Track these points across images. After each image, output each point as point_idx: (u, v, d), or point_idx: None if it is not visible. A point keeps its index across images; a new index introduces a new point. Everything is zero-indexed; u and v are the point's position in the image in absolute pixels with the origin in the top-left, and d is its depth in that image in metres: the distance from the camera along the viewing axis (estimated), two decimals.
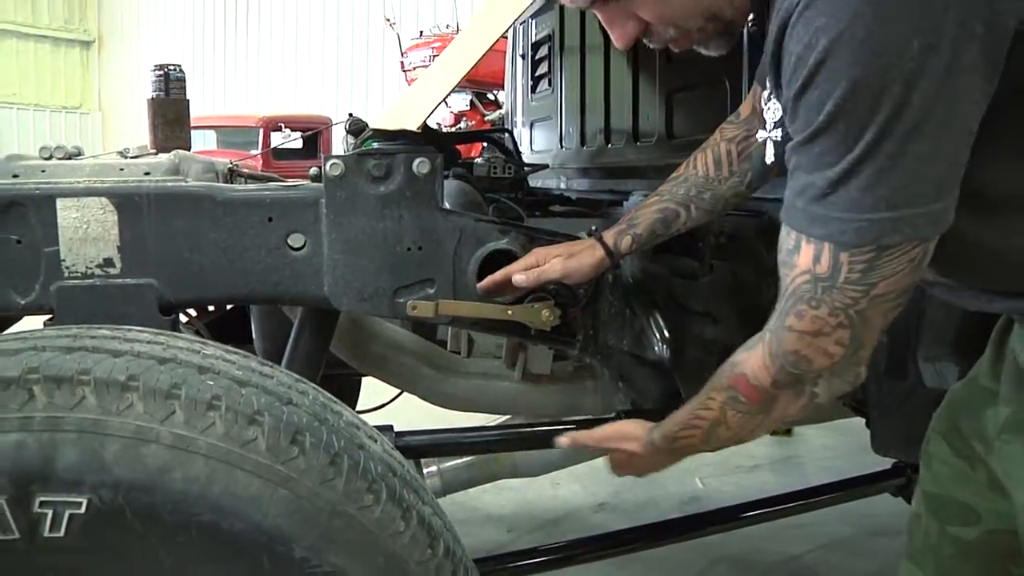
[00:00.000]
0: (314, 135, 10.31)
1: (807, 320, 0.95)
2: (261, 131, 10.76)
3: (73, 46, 24.38)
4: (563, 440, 1.42)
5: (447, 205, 1.60)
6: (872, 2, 0.79)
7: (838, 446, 4.06)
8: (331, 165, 1.45)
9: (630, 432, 1.32)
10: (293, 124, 10.98)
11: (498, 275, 1.47)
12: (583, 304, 1.55)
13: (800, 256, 0.94)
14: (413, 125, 1.46)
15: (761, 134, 1.15)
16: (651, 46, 1.14)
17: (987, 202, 0.93)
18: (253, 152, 10.66)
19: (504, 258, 1.50)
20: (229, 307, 2.26)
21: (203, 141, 11.15)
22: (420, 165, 1.46)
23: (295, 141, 10.74)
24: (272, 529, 0.91)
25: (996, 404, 1.10)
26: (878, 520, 3.15)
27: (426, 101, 1.54)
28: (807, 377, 1.03)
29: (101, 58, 24.69)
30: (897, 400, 1.53)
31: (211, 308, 2.22)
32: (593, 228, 1.50)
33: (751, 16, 1.12)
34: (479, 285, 1.48)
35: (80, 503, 0.88)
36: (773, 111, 1.09)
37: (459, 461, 2.21)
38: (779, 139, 1.11)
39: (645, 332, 1.55)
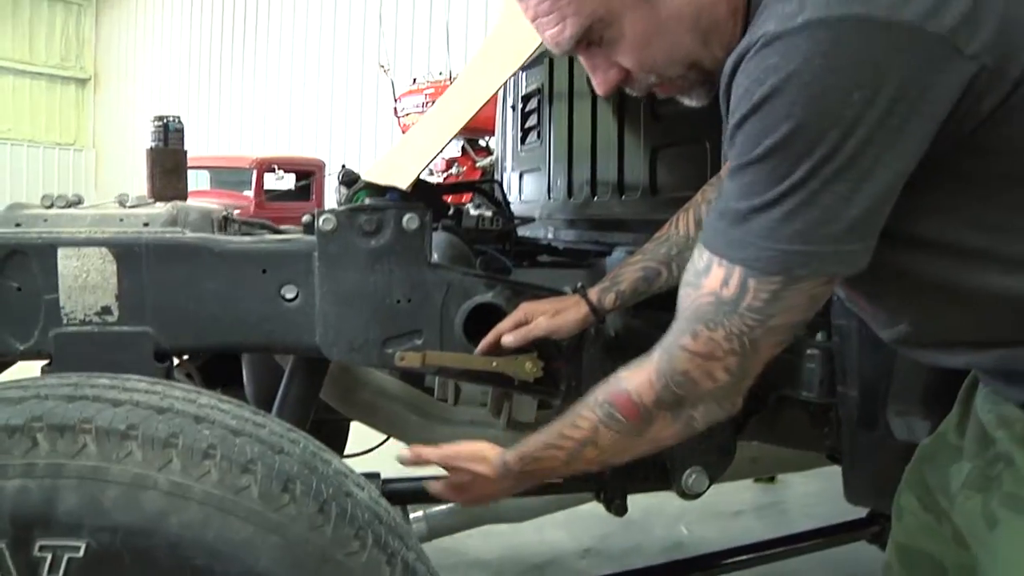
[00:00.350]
0: (307, 177, 10.41)
1: (702, 341, 0.99)
2: (254, 172, 10.83)
3: (69, 84, 24.53)
4: (405, 454, 1.38)
5: (436, 258, 1.65)
6: (823, 51, 0.84)
7: (822, 492, 4.09)
8: (324, 220, 1.51)
9: (481, 452, 1.30)
10: (286, 166, 11.07)
11: (490, 336, 1.52)
12: (566, 356, 1.60)
13: (709, 278, 0.97)
14: (403, 184, 1.52)
15: None
16: (633, 94, 1.16)
17: (952, 250, 0.98)
18: (246, 192, 10.73)
19: (490, 311, 1.55)
20: None
21: (196, 181, 11.21)
22: (409, 221, 1.52)
23: (288, 183, 10.81)
24: (264, 573, 0.95)
25: (961, 460, 1.13)
26: (861, 567, 3.17)
27: (416, 161, 1.60)
28: (689, 400, 1.05)
29: (96, 96, 24.84)
30: (869, 451, 1.58)
31: None
32: (579, 284, 1.55)
33: None
34: (476, 351, 1.53)
35: (79, 547, 0.91)
36: None
37: (444, 507, 2.25)
38: None
39: None
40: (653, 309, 1.70)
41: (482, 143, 8.17)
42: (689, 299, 1.00)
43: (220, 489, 0.96)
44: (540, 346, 1.55)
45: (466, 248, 1.98)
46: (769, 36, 0.88)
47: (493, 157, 4.02)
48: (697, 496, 1.62)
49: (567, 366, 1.61)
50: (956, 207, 0.96)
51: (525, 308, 1.53)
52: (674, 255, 1.49)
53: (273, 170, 10.66)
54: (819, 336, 1.66)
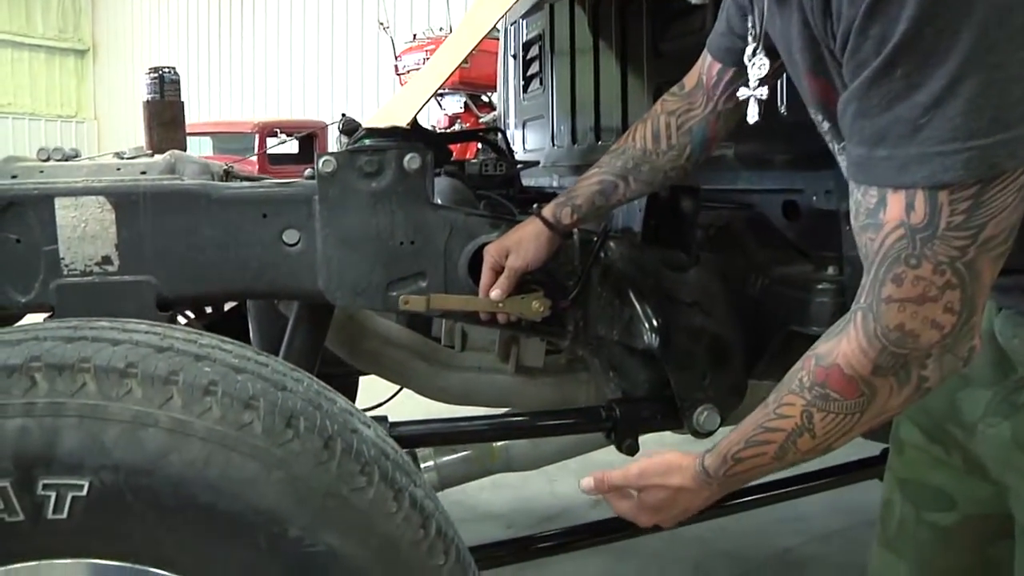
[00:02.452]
0: (310, 140, 10.32)
1: (908, 284, 0.82)
2: (257, 136, 10.78)
3: (68, 55, 24.39)
4: (588, 483, 1.21)
5: (438, 201, 1.62)
6: None
7: None
8: (323, 162, 1.48)
9: (674, 463, 1.13)
10: (288, 129, 11.00)
11: (481, 292, 1.50)
12: (573, 295, 1.58)
13: (888, 211, 0.81)
14: (403, 122, 1.49)
15: (743, 92, 1.11)
16: None
17: None
18: (250, 157, 10.69)
19: None
20: (227, 308, 2.29)
21: (199, 147, 11.16)
22: (411, 161, 1.49)
23: (291, 145, 10.76)
24: (268, 510, 0.94)
25: (969, 386, 1.08)
26: (871, 513, 3.15)
27: (415, 99, 1.57)
28: (914, 357, 0.87)
29: (96, 67, 24.71)
30: None
31: (209, 310, 2.24)
32: (534, 206, 1.52)
33: None
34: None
35: (82, 485, 0.90)
36: (758, 67, 1.06)
37: (455, 456, 2.24)
38: (765, 97, 1.07)
39: (634, 322, 1.57)
40: (661, 245, 1.68)
41: (485, 99, 8.10)
42: (875, 244, 0.84)
43: (222, 425, 0.94)
44: (545, 285, 1.53)
45: (470, 192, 1.95)
46: None
47: (496, 112, 3.98)
48: (709, 434, 1.59)
49: (573, 306, 1.59)
50: None
51: (492, 251, 1.48)
52: (630, 168, 1.44)
53: (275, 134, 10.59)
54: (830, 270, 1.63)
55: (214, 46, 20.05)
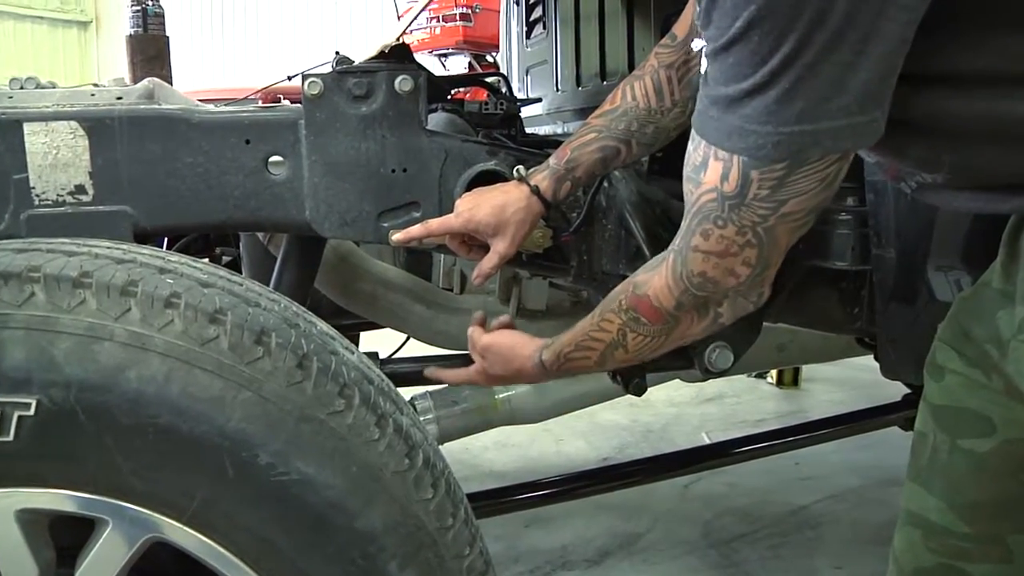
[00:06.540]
0: None
1: (713, 240, 0.93)
2: (259, 103, 10.67)
3: (70, 27, 24.18)
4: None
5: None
6: None
7: (846, 401, 4.02)
8: (310, 83, 1.39)
9: (517, 348, 1.32)
10: (292, 96, 10.89)
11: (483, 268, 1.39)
12: (575, 227, 1.49)
13: (707, 172, 0.89)
14: (391, 39, 1.40)
15: (697, 43, 1.09)
16: None
17: (989, 81, 0.86)
18: None
19: (493, 179, 1.43)
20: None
21: None
22: (402, 83, 1.40)
23: None
24: (235, 433, 0.85)
25: (1009, 306, 1.02)
26: (886, 472, 3.10)
27: (401, 23, 1.47)
28: (712, 299, 1.04)
29: (99, 38, 24.54)
30: (907, 320, 1.47)
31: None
32: (522, 176, 1.37)
33: None
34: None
35: (29, 404, 0.82)
36: None
37: (455, 408, 2.16)
38: None
39: (640, 255, 1.48)
40: (671, 178, 1.59)
41: (489, 59, 7.97)
42: (692, 196, 0.94)
43: (184, 340, 0.86)
44: (548, 217, 1.44)
45: (468, 127, 1.85)
46: None
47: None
48: (722, 373, 1.51)
49: (577, 239, 1.50)
50: (986, 37, 0.84)
51: (466, 218, 1.35)
52: (634, 131, 1.34)
53: (279, 101, 10.48)
54: (849, 200, 1.54)
55: (216, 15, 19.90)
